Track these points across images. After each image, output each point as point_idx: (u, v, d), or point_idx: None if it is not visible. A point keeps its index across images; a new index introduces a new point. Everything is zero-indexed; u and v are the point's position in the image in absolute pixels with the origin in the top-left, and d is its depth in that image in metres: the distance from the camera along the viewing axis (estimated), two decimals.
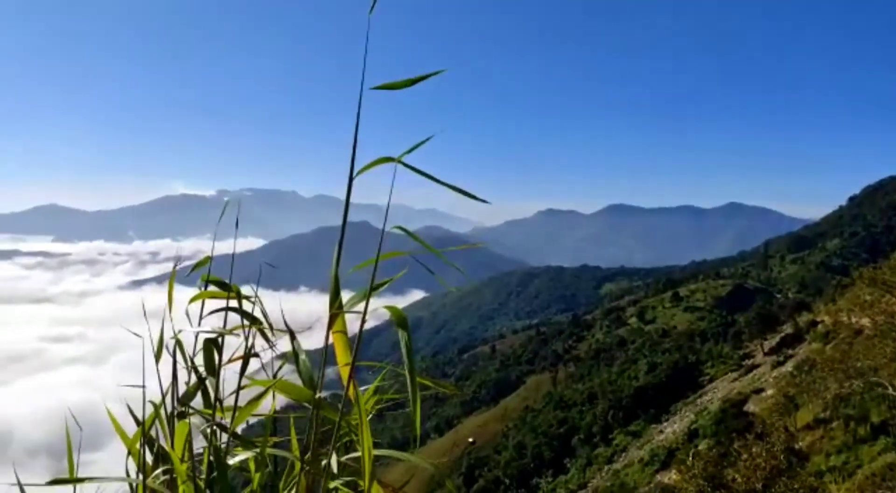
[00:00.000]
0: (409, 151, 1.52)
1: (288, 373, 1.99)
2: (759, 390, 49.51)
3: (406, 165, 1.52)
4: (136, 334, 1.81)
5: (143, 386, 1.72)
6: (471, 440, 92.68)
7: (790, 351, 58.04)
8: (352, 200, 1.64)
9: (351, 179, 1.61)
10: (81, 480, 1.61)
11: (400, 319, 1.60)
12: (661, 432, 57.39)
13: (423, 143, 1.59)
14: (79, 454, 1.89)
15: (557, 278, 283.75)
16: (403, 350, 1.54)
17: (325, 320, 1.75)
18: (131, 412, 1.77)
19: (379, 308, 1.69)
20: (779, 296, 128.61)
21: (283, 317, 1.76)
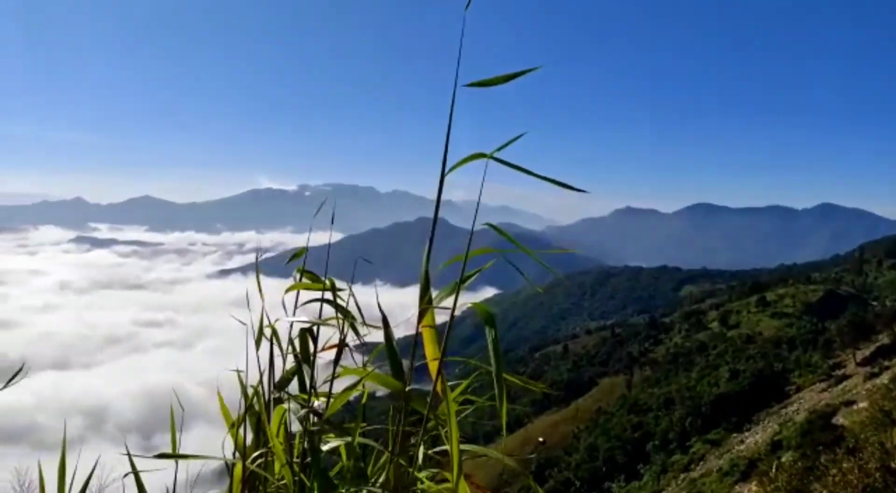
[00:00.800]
0: (502, 147, 1.53)
1: (372, 364, 2.06)
2: (849, 403, 46.57)
3: (500, 161, 1.53)
4: (240, 321, 1.91)
5: (246, 370, 1.82)
6: (541, 439, 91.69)
7: (886, 362, 54.32)
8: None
9: (443, 176, 1.64)
10: (185, 456, 1.72)
11: (487, 316, 1.61)
12: (742, 441, 54.99)
13: (515, 140, 1.60)
14: (180, 433, 2.02)
15: (635, 278, 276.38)
16: (490, 347, 1.55)
17: (415, 314, 1.79)
18: (244, 392, 1.87)
19: (465, 304, 1.72)
20: (874, 304, 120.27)
21: (381, 309, 1.81)
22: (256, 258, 2.17)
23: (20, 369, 2.03)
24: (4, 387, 2.04)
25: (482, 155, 1.54)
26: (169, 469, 1.94)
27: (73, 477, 2.00)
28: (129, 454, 1.80)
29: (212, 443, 2.09)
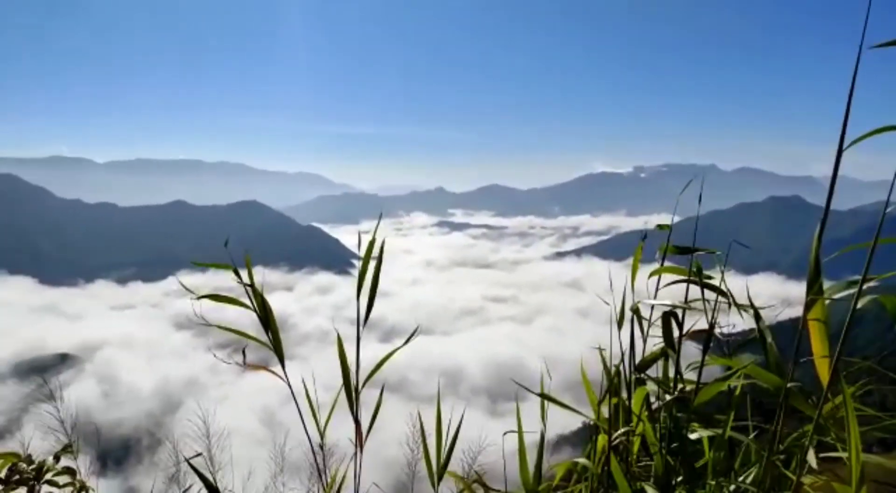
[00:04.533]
0: None
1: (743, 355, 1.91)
2: None
3: None
4: (605, 301, 1.96)
5: (610, 349, 1.87)
6: None
7: None
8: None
9: (840, 152, 1.42)
10: (567, 406, 1.85)
11: None
12: None
13: None
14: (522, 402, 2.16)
15: None
16: None
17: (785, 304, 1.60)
18: (605, 365, 1.94)
19: (868, 297, 1.47)
20: None
21: (749, 296, 1.67)
22: (642, 240, 2.17)
23: (415, 331, 2.40)
24: (404, 345, 2.41)
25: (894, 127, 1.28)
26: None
27: (449, 425, 2.32)
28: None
29: (548, 414, 2.21)
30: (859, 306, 1.46)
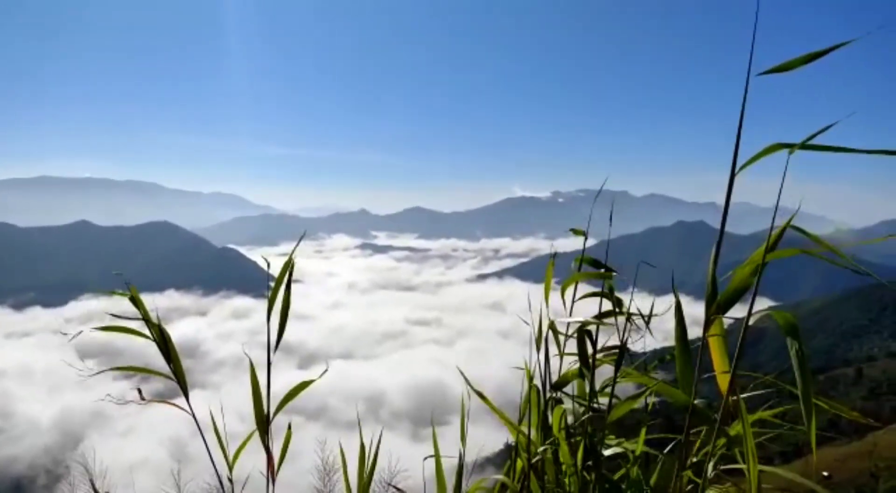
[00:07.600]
0: (811, 137, 1.36)
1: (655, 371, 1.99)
2: None
3: (813, 147, 1.35)
4: (526, 321, 2.00)
5: (530, 368, 1.91)
6: (825, 473, 79.93)
7: None
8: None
9: (733, 175, 1.52)
10: (463, 440, 1.87)
11: (790, 326, 1.45)
12: None
13: (826, 129, 1.40)
14: (443, 426, 2.17)
15: None
16: (795, 363, 1.39)
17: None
18: (530, 384, 1.96)
19: (760, 312, 1.57)
20: None
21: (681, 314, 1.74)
22: (551, 260, 2.24)
23: (325, 370, 2.34)
24: (311, 382, 2.31)
25: (786, 145, 1.38)
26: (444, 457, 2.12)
27: (369, 454, 2.28)
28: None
29: (470, 437, 2.22)
30: (751, 322, 1.56)
